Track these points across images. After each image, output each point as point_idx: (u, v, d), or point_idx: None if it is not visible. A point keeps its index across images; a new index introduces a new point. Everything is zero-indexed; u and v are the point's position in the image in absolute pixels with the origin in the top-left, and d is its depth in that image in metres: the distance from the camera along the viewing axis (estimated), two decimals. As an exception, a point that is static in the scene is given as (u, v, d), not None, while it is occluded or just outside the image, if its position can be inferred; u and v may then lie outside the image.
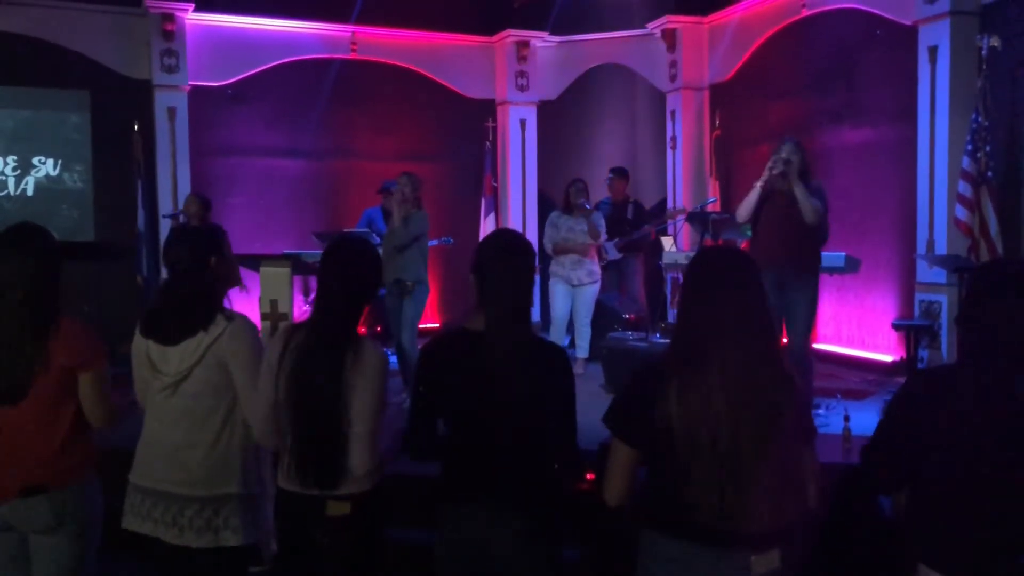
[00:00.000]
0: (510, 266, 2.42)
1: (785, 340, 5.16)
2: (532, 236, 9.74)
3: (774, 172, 5.10)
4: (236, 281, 2.84)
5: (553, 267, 7.29)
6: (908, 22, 7.00)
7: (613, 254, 7.91)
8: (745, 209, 5.20)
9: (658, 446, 2.14)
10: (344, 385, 2.45)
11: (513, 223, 9.99)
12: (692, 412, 2.08)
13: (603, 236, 7.19)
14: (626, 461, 2.22)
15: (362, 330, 2.63)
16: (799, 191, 4.99)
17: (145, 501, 2.67)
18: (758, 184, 5.15)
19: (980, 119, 6.15)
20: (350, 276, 2.54)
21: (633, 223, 7.97)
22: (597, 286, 7.23)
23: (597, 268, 7.24)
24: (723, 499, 2.07)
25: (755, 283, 2.18)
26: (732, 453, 2.07)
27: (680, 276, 8.43)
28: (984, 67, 6.19)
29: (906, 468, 2.15)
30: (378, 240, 6.83)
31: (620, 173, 8.27)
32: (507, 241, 2.52)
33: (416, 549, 3.39)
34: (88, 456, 2.77)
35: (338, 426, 2.45)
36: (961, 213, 6.26)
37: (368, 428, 2.48)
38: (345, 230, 7.73)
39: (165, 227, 8.47)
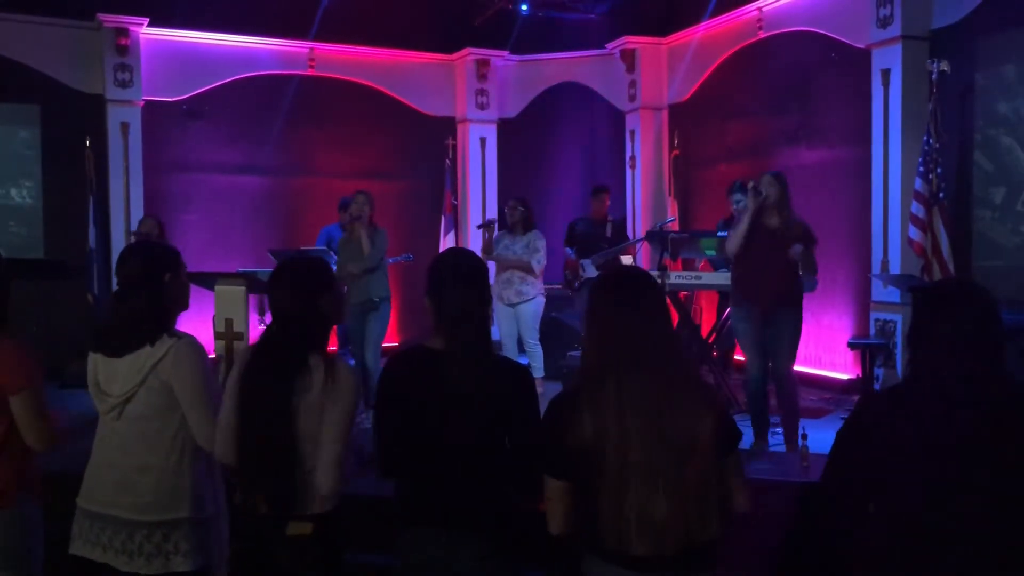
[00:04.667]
0: (463, 284, 2.40)
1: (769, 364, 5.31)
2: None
3: (762, 201, 5.16)
4: (184, 304, 2.77)
5: (493, 286, 7.26)
6: (861, 45, 7.14)
7: (590, 271, 7.87)
8: (735, 242, 5.26)
9: (576, 472, 2.14)
10: (304, 408, 2.40)
11: (473, 241, 9.96)
12: (598, 434, 2.09)
13: (535, 261, 6.99)
14: (559, 492, 2.21)
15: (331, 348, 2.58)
16: (803, 262, 5.14)
17: (94, 526, 2.59)
18: (746, 217, 5.21)
19: (931, 141, 6.28)
20: (305, 295, 2.47)
21: (612, 241, 7.93)
22: (533, 303, 7.07)
23: (530, 288, 7.05)
24: (628, 522, 2.07)
25: (654, 304, 2.19)
26: (636, 475, 2.07)
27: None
28: (934, 90, 6.33)
29: (861, 493, 2.14)
30: (335, 258, 6.77)
31: (600, 190, 8.22)
32: (460, 260, 2.49)
33: (374, 572, 3.33)
34: (18, 480, 2.66)
35: (292, 452, 2.39)
36: (914, 233, 6.37)
37: (340, 449, 2.41)
38: (303, 248, 7.64)
39: (118, 245, 8.30)
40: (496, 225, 7.25)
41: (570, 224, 8.27)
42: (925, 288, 2.87)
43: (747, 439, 5.00)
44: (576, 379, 2.21)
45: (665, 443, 2.06)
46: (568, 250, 8.06)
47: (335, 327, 2.54)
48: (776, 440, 5.47)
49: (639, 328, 2.14)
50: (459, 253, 2.56)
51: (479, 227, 7.27)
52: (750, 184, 5.31)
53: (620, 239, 8.05)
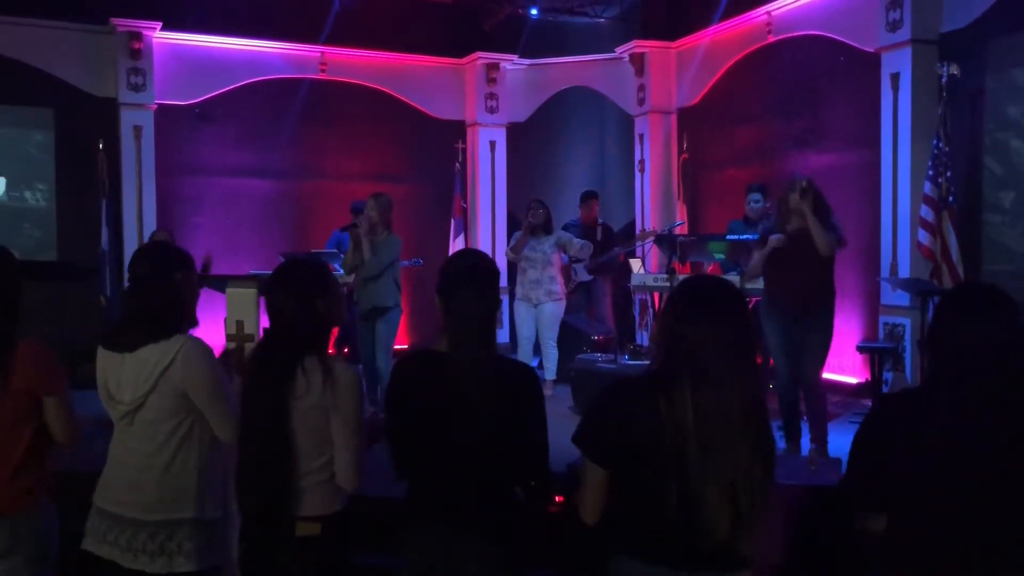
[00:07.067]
0: (474, 286, 2.40)
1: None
2: (500, 258, 9.76)
3: (798, 202, 5.08)
4: (193, 303, 2.80)
5: (517, 287, 7.31)
6: (871, 49, 7.14)
7: (583, 276, 7.94)
8: (755, 269, 5.26)
9: (630, 464, 2.10)
10: (301, 411, 2.42)
11: (482, 244, 10.00)
12: (670, 428, 2.06)
13: (577, 249, 7.19)
14: (600, 481, 2.17)
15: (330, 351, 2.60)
16: (813, 224, 5.02)
17: (103, 524, 2.62)
18: (773, 241, 5.15)
19: (941, 145, 6.27)
20: (302, 297, 2.48)
21: (602, 245, 8.01)
22: (558, 305, 7.15)
23: (557, 288, 7.17)
24: (686, 517, 2.05)
25: (729, 319, 2.13)
26: (698, 471, 2.05)
27: (648, 297, 8.51)
28: (944, 94, 6.32)
29: (881, 490, 2.11)
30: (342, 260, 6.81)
31: (589, 196, 8.33)
32: (471, 261, 2.51)
33: (377, 573, 3.34)
34: (42, 482, 2.70)
35: (287, 455, 2.41)
36: (923, 237, 6.36)
37: (356, 446, 2.45)
38: (313, 251, 7.69)
39: (131, 248, 8.34)
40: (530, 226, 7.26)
41: (562, 228, 8.37)
42: (949, 291, 2.83)
43: (778, 445, 4.96)
44: (644, 373, 2.16)
45: (724, 447, 2.03)
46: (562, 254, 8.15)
47: (336, 329, 2.56)
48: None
49: (710, 342, 2.07)
50: (472, 254, 2.58)
51: (528, 225, 7.25)
52: (801, 185, 5.17)
53: (609, 243, 8.15)
